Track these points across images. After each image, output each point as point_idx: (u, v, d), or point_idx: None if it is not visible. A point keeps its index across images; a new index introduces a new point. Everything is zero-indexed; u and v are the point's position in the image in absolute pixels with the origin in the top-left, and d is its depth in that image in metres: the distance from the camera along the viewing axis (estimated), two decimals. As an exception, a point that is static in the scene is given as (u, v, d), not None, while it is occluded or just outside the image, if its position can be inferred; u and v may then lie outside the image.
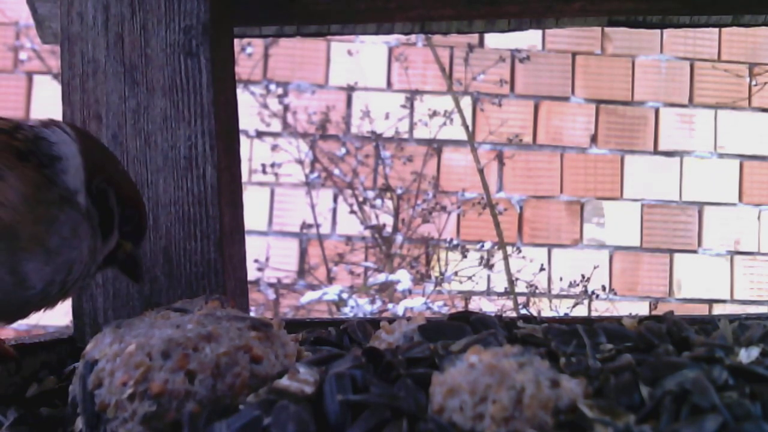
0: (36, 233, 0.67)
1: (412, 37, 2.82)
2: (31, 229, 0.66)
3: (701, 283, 2.90)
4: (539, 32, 2.89)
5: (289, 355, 0.63)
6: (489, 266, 2.71)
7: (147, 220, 0.82)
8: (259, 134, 2.80)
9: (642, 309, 2.82)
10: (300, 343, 0.71)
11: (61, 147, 0.72)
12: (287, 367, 0.61)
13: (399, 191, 2.77)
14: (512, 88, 2.90)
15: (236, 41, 1.07)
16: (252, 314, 0.70)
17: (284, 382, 0.56)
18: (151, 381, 0.57)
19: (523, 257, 2.74)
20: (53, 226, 0.68)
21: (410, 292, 2.58)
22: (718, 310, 2.87)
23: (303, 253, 2.81)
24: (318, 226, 2.75)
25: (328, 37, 2.31)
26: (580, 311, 2.69)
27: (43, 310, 0.74)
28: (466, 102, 2.81)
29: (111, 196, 0.75)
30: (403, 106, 2.85)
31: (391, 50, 2.88)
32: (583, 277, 2.70)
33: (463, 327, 0.71)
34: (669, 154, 2.93)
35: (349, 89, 2.85)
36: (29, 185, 0.67)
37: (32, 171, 0.69)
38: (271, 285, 2.74)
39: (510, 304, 2.71)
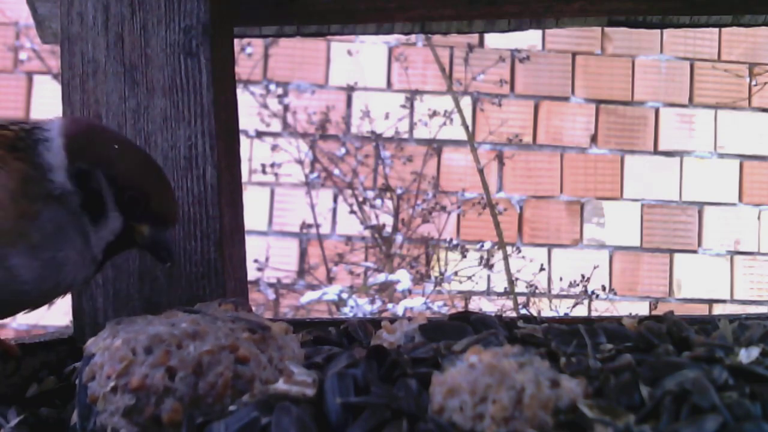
0: (20, 228, 0.67)
1: (412, 37, 2.82)
2: (13, 225, 0.67)
3: (701, 283, 2.90)
4: (539, 32, 2.89)
5: (287, 359, 0.63)
6: (489, 266, 2.70)
7: (163, 200, 0.76)
8: (259, 134, 2.80)
9: (642, 309, 2.82)
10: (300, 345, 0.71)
11: (50, 131, 0.72)
12: (282, 370, 0.60)
13: (399, 191, 2.77)
14: (512, 88, 2.90)
15: (236, 41, 1.07)
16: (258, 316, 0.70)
17: (282, 386, 0.56)
18: (131, 375, 0.57)
19: (523, 257, 2.74)
20: (36, 221, 0.68)
21: (410, 292, 2.58)
22: (718, 310, 2.87)
23: (303, 253, 2.81)
24: (318, 226, 2.74)
25: (328, 37, 2.31)
26: (580, 311, 2.69)
27: (42, 305, 0.74)
28: (466, 102, 2.81)
29: (98, 177, 0.72)
30: (403, 106, 2.85)
31: (391, 50, 2.88)
32: (583, 277, 2.70)
33: (464, 327, 0.71)
34: (669, 154, 2.93)
35: (349, 89, 2.85)
36: (17, 180, 0.68)
37: (22, 163, 0.69)
38: (271, 285, 2.74)
39: (510, 304, 2.71)
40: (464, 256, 2.71)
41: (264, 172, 2.75)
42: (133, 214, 0.74)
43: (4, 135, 0.70)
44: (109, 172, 0.72)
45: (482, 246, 2.72)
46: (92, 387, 0.59)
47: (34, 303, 0.73)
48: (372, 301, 2.54)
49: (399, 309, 2.42)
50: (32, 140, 0.71)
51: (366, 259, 2.77)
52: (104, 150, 0.74)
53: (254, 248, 2.59)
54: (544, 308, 2.75)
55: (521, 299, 2.72)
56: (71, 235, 0.71)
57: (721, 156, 2.93)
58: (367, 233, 2.75)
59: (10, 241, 0.67)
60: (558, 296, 2.78)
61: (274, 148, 2.79)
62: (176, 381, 0.57)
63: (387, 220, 2.77)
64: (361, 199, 2.76)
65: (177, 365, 0.57)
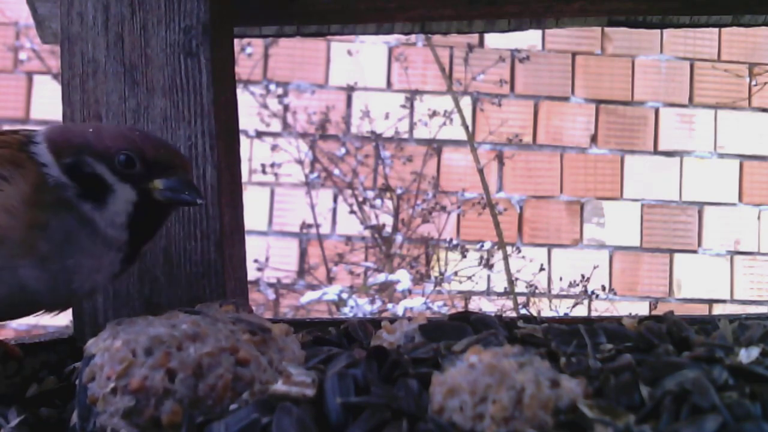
0: (29, 239, 0.68)
1: (412, 37, 2.82)
2: (23, 235, 0.67)
3: (701, 283, 2.90)
4: (539, 32, 2.89)
5: (287, 360, 0.62)
6: (489, 266, 2.70)
7: (159, 148, 0.75)
8: (259, 134, 2.80)
9: (642, 309, 2.82)
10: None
11: (37, 137, 0.74)
12: (282, 372, 0.60)
13: (399, 191, 2.77)
14: (512, 88, 2.90)
15: (236, 41, 1.07)
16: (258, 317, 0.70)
17: (282, 387, 0.56)
18: (131, 376, 0.57)
19: (523, 257, 2.74)
20: (45, 231, 0.69)
21: (410, 292, 2.58)
22: (718, 310, 2.87)
23: (303, 253, 2.81)
24: (318, 226, 2.74)
25: (328, 37, 2.31)
26: (580, 311, 2.69)
27: (64, 309, 0.77)
28: (465, 102, 2.81)
29: (86, 161, 0.72)
30: (403, 106, 2.84)
31: (391, 50, 2.88)
32: (583, 277, 2.70)
33: (464, 327, 0.71)
34: (669, 154, 2.93)
35: (349, 89, 2.85)
36: (31, 185, 0.69)
37: (33, 167, 0.70)
38: (271, 285, 2.74)
39: (510, 304, 2.71)
40: (464, 256, 2.71)
41: (264, 172, 2.75)
42: (138, 176, 0.73)
43: (16, 138, 0.73)
44: (93, 151, 0.72)
45: (482, 246, 2.72)
46: (92, 388, 0.59)
47: (50, 308, 0.74)
48: (372, 301, 2.54)
49: (399, 309, 2.42)
50: (29, 143, 0.73)
51: (366, 259, 2.77)
52: (81, 138, 0.74)
53: (254, 248, 2.59)
54: (544, 308, 2.75)
55: (521, 299, 2.72)
56: (81, 241, 0.71)
57: (721, 156, 2.93)
58: (367, 233, 2.75)
59: (20, 253, 0.67)
60: (558, 296, 2.78)
61: (274, 148, 2.79)
62: (176, 383, 0.57)
63: (387, 220, 2.77)
64: (361, 199, 2.75)
65: (177, 367, 0.57)
